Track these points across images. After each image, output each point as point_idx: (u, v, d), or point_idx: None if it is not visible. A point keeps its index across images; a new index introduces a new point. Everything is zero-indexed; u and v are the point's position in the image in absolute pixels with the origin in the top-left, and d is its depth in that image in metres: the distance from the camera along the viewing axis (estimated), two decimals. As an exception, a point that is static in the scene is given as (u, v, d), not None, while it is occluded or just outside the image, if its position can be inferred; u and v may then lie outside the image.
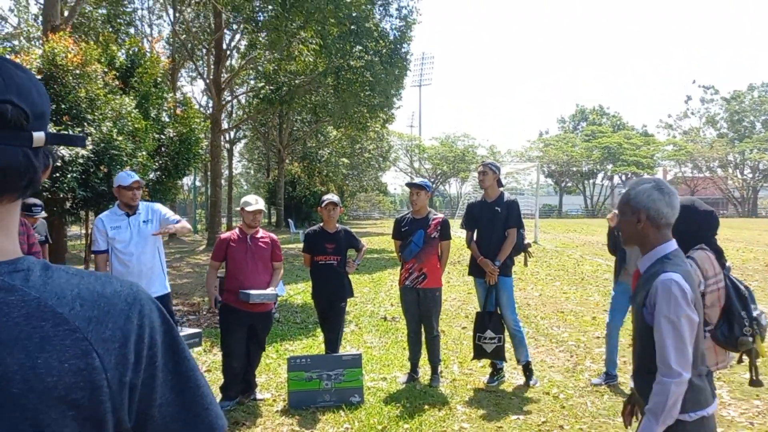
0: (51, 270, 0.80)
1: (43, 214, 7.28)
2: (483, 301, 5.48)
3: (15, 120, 0.77)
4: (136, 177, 4.83)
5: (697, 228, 2.93)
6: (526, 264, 5.83)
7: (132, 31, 22.64)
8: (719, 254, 2.94)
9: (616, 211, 5.54)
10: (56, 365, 0.73)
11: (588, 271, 13.54)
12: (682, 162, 62.56)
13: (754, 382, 2.99)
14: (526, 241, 5.50)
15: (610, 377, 5.44)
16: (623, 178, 62.78)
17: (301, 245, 6.39)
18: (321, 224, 5.55)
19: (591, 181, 66.62)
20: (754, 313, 2.88)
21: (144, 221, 4.81)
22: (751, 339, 2.83)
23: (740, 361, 2.97)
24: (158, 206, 5.05)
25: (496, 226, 5.37)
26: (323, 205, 5.45)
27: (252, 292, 4.71)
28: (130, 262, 4.71)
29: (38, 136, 0.80)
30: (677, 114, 74.21)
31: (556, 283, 11.71)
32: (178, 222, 4.89)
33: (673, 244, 2.24)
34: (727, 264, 2.97)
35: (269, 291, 4.86)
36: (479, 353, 5.42)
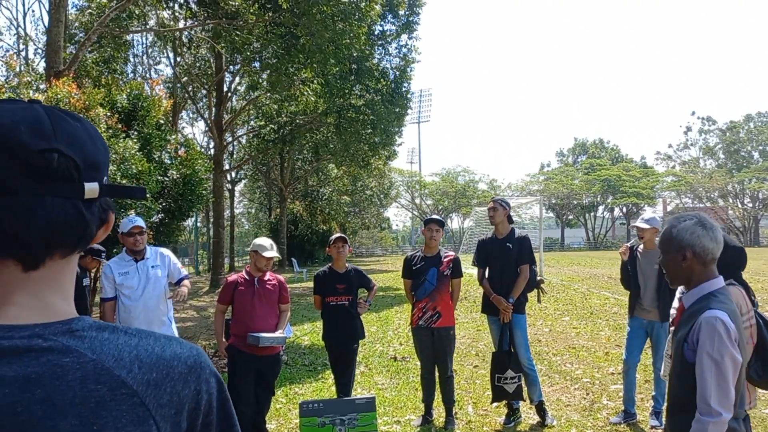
0: (108, 330, 0.76)
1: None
2: (497, 340, 5.36)
3: (63, 170, 0.73)
4: (138, 222, 4.77)
5: (727, 264, 2.85)
6: (539, 301, 5.74)
7: (131, 74, 22.93)
8: (748, 290, 2.88)
9: (628, 245, 5.50)
10: None
11: (596, 305, 13.37)
12: (682, 193, 62.68)
13: None
14: (538, 278, 5.42)
15: (629, 415, 5.29)
16: (624, 210, 62.84)
17: (304, 284, 6.30)
18: (330, 265, 5.47)
19: (592, 213, 66.65)
20: None
21: (153, 266, 4.75)
22: None
23: None
24: (168, 253, 4.99)
25: (508, 262, 5.30)
26: (332, 243, 5.39)
27: (262, 335, 4.61)
28: (136, 309, 4.64)
29: (91, 188, 0.76)
30: (677, 145, 74.57)
31: (566, 318, 11.56)
32: (186, 278, 4.91)
33: (720, 281, 2.18)
34: (755, 300, 2.91)
35: (278, 334, 4.76)
36: (500, 395, 5.25)
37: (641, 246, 5.35)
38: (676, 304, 4.48)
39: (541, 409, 5.32)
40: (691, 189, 61.52)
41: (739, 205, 61.20)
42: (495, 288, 5.29)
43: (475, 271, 5.66)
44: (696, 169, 67.96)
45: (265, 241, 4.94)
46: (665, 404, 2.33)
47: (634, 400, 5.36)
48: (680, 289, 4.47)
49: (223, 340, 4.91)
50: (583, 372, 7.17)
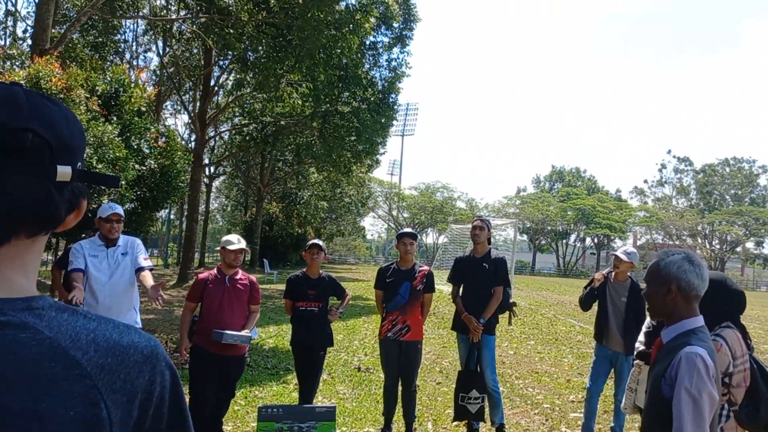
0: (68, 312, 0.75)
1: None
2: (465, 359, 5.36)
3: (36, 150, 0.72)
4: (117, 209, 4.71)
5: (726, 306, 2.91)
6: (510, 323, 5.77)
7: (119, 60, 22.62)
8: (745, 334, 2.92)
9: (604, 273, 5.56)
10: (61, 412, 0.67)
11: (562, 331, 13.49)
12: (653, 228, 63.81)
13: None
14: (511, 300, 5.45)
15: None
16: (595, 240, 63.72)
17: (274, 286, 6.25)
18: (304, 270, 5.44)
19: (564, 240, 67.48)
20: None
21: (123, 254, 4.70)
22: None
23: None
24: (138, 242, 4.93)
25: (482, 282, 5.32)
26: (307, 248, 5.36)
27: (226, 332, 4.55)
28: (102, 294, 4.57)
29: (63, 171, 0.75)
30: (651, 181, 76.19)
31: (531, 342, 11.63)
32: (148, 269, 4.79)
33: (700, 320, 2.19)
34: (751, 344, 2.95)
35: (244, 332, 4.70)
36: (462, 414, 5.24)
37: (613, 275, 5.42)
38: (642, 338, 4.54)
39: (501, 431, 5.33)
40: (662, 226, 62.67)
41: (708, 246, 62.49)
42: (468, 307, 5.30)
43: (446, 287, 5.67)
44: (668, 206, 69.34)
45: (232, 236, 4.93)
46: None
47: (593, 429, 5.39)
48: (646, 323, 4.53)
49: (187, 339, 4.82)
50: (544, 397, 7.20)
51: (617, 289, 5.33)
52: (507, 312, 5.49)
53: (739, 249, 63.93)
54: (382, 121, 21.48)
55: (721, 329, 2.85)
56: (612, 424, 5.37)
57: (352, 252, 69.69)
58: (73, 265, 4.59)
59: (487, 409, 5.37)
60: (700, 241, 63.09)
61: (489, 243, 5.51)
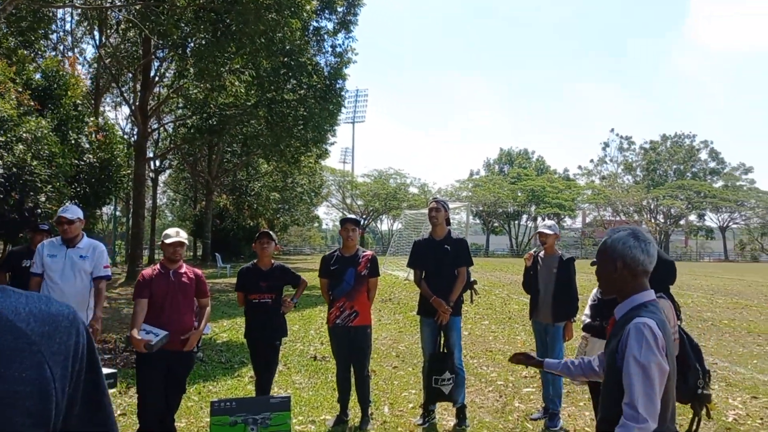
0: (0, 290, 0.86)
1: None
2: (430, 342, 5.37)
3: None
4: (66, 213, 4.93)
5: (659, 277, 2.91)
6: (472, 301, 5.81)
7: (53, 52, 21.69)
8: (675, 305, 2.99)
9: (532, 252, 5.73)
10: (16, 375, 0.79)
11: (515, 310, 13.74)
12: (601, 206, 65.63)
13: None
14: (471, 279, 5.49)
15: (547, 412, 5.45)
16: (544, 219, 65.12)
17: (227, 280, 6.14)
18: (255, 261, 5.34)
19: (516, 222, 68.73)
20: (706, 366, 2.94)
21: (81, 256, 4.94)
22: (708, 393, 2.86)
23: (708, 416, 2.96)
24: (102, 249, 5.16)
25: (445, 264, 5.31)
26: (256, 238, 5.26)
27: (151, 341, 4.38)
28: (55, 292, 4.79)
29: None
30: (597, 159, 78.47)
31: (485, 322, 11.80)
32: (105, 278, 5.15)
33: (651, 294, 2.19)
34: (681, 315, 3.03)
35: (162, 332, 4.47)
36: (436, 396, 5.23)
37: (542, 252, 5.58)
38: (588, 311, 4.64)
39: (461, 412, 5.36)
40: (610, 203, 64.55)
41: (653, 221, 64.73)
42: (433, 289, 5.28)
43: (402, 272, 5.66)
44: (615, 184, 71.44)
45: (170, 230, 4.82)
46: (597, 417, 2.31)
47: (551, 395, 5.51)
48: (592, 296, 4.63)
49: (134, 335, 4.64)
50: (498, 375, 7.31)
51: (548, 263, 5.52)
52: (469, 291, 5.52)
53: (682, 222, 66.49)
54: (330, 108, 21.27)
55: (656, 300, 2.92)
56: (546, 393, 5.49)
57: (308, 242, 69.29)
58: (32, 269, 5.06)
59: None
60: (645, 216, 65.26)
61: (447, 224, 5.51)
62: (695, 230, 67.87)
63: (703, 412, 2.94)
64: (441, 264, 5.32)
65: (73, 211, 4.99)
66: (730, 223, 66.34)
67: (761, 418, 5.58)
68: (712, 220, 67.48)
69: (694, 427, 2.97)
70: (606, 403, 2.20)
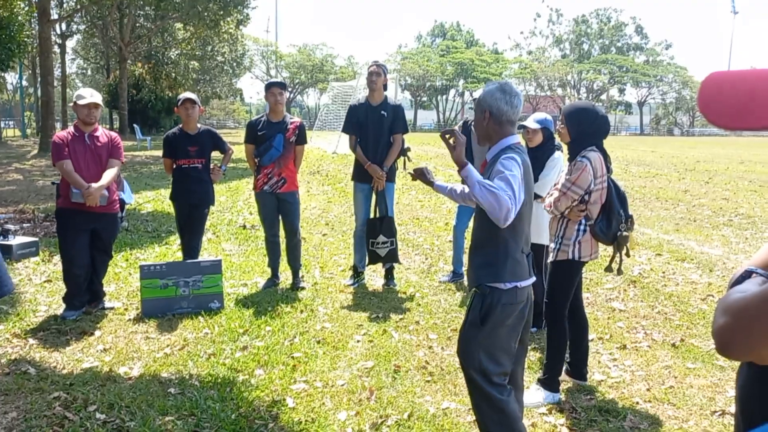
0: None
1: None
2: (364, 208, 5.45)
3: None
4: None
5: (594, 130, 3.18)
6: (404, 167, 5.88)
7: None
8: (606, 157, 3.22)
9: (461, 122, 5.79)
10: None
11: (441, 181, 14.09)
12: (526, 80, 66.28)
13: (614, 270, 3.38)
14: (405, 145, 5.51)
15: (456, 275, 5.76)
16: (473, 94, 65.44)
17: (148, 153, 5.92)
18: (180, 126, 5.14)
19: (444, 96, 68.69)
20: (630, 212, 3.28)
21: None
22: (626, 234, 3.22)
23: (628, 254, 3.33)
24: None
25: (381, 130, 5.28)
26: (179, 103, 5.03)
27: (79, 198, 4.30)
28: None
29: None
30: (526, 32, 78.07)
31: (412, 192, 12.10)
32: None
33: (514, 138, 2.44)
34: (611, 167, 3.26)
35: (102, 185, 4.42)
36: (374, 258, 5.42)
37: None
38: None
39: (389, 273, 5.61)
40: (535, 77, 65.22)
41: (576, 95, 66.28)
42: (367, 155, 5.29)
43: (329, 146, 5.62)
44: (542, 57, 71.77)
45: (84, 90, 4.53)
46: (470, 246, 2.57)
47: (462, 261, 5.81)
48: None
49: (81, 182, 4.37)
50: (424, 240, 7.63)
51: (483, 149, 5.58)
52: (402, 158, 5.55)
53: (603, 96, 68.47)
54: (252, -32, 19.72)
55: (587, 152, 3.16)
56: (456, 257, 5.83)
57: (231, 116, 67.09)
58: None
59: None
60: (569, 90, 66.67)
61: (385, 89, 5.41)
62: (615, 105, 70.25)
63: (624, 252, 3.30)
64: (378, 130, 5.29)
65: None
66: (648, 98, 68.99)
67: (663, 272, 6.17)
68: (631, 95, 69.94)
69: (615, 264, 3.35)
70: (476, 233, 2.51)
